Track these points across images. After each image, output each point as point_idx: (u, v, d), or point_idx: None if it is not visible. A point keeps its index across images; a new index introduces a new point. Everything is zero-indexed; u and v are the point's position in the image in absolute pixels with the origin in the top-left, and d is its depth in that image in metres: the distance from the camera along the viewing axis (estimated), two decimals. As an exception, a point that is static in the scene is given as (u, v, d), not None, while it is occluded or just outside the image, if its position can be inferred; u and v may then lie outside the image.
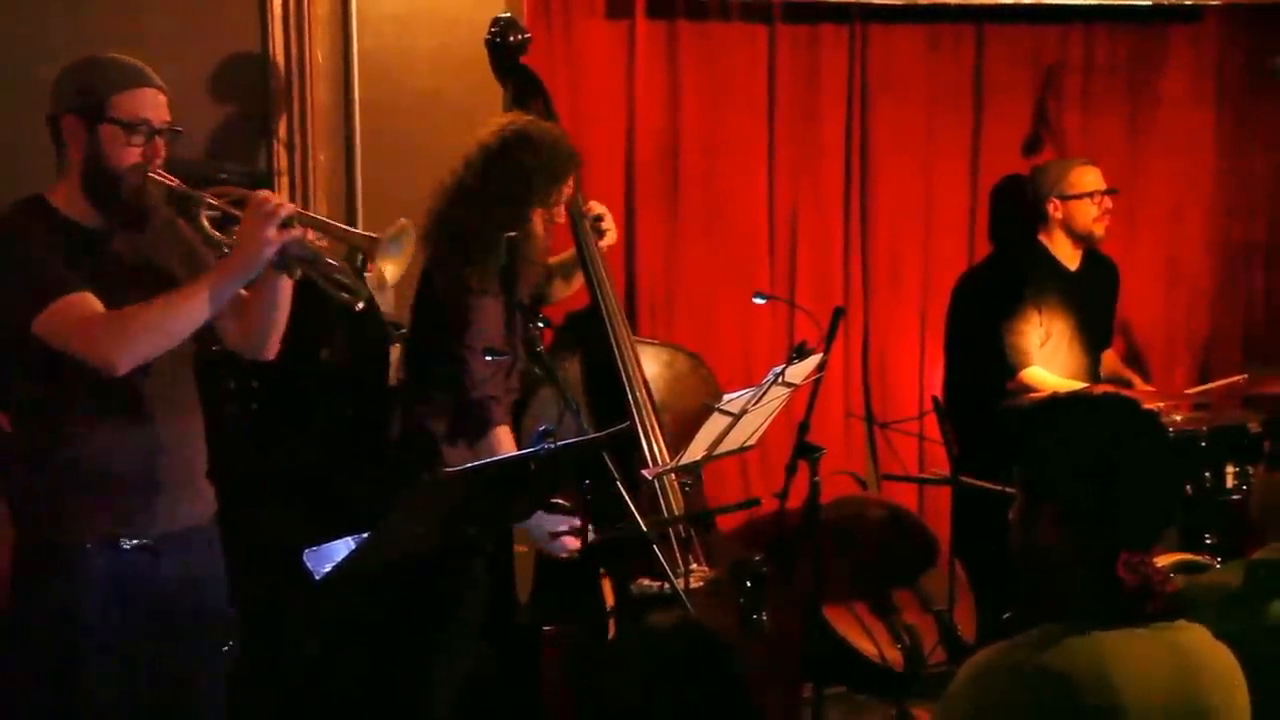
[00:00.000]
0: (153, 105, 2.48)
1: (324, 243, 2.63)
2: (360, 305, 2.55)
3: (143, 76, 2.49)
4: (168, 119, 2.50)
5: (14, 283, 2.40)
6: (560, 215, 3.24)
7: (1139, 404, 1.95)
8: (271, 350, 2.65)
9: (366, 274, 2.54)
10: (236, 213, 2.49)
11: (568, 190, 3.23)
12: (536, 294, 3.36)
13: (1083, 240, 4.23)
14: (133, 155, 2.46)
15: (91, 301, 2.42)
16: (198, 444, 2.62)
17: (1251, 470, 3.77)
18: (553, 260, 3.46)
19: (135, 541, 2.49)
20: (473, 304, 3.08)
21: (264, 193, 2.47)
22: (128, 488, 2.48)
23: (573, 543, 3.05)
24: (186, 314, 2.43)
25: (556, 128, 3.29)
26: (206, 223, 2.53)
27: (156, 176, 2.48)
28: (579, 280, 3.51)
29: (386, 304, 3.61)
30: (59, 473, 2.46)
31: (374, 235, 2.50)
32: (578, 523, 3.06)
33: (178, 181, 2.50)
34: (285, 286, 2.56)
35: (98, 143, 2.45)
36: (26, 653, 2.50)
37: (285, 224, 2.43)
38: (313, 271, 2.54)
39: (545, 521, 2.99)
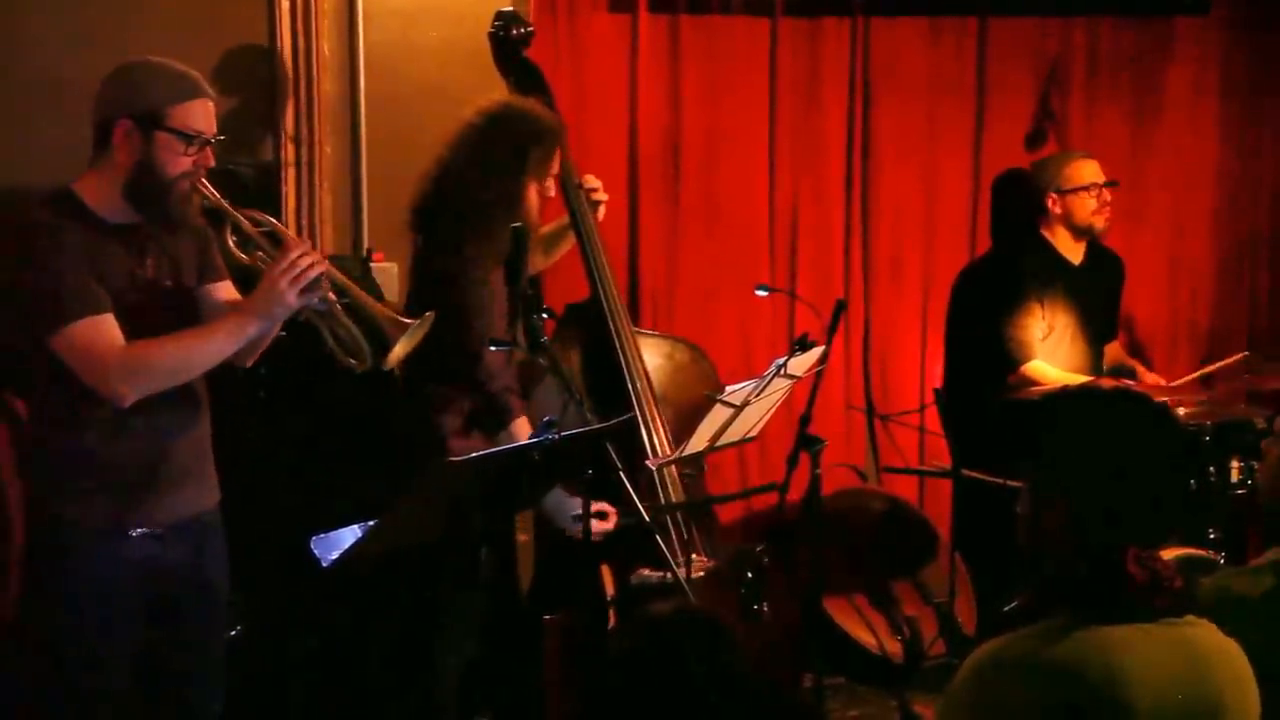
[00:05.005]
0: (206, 116, 2.51)
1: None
2: (361, 370, 2.60)
3: (199, 88, 2.52)
4: (215, 129, 2.53)
5: (38, 295, 2.42)
6: (551, 188, 3.22)
7: (1150, 399, 1.93)
8: (250, 362, 2.70)
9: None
10: (265, 245, 2.53)
11: (558, 159, 3.21)
12: None
13: (1084, 233, 4.23)
14: (185, 164, 2.48)
15: (108, 329, 2.43)
16: (206, 433, 2.65)
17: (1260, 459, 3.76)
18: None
19: (142, 530, 2.52)
20: (482, 294, 3.07)
21: (299, 249, 2.47)
22: (138, 476, 2.51)
23: (600, 525, 3.07)
24: (197, 359, 2.49)
25: (537, 102, 3.28)
26: (231, 240, 2.57)
27: (203, 187, 2.51)
28: (559, 253, 3.51)
29: (388, 294, 3.63)
30: (71, 461, 2.49)
31: (401, 319, 2.54)
32: (605, 505, 3.11)
33: (218, 196, 2.54)
34: None
35: (153, 150, 2.46)
36: (36, 638, 2.54)
37: (312, 285, 2.46)
38: (322, 324, 2.56)
39: (569, 504, 2.99)
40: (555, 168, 3.21)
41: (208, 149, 2.51)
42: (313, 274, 2.46)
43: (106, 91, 2.50)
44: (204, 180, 2.52)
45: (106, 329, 2.43)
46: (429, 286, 3.14)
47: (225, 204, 2.55)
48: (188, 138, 2.47)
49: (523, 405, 3.12)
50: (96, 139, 2.50)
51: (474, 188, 3.09)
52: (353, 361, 2.58)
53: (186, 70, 2.53)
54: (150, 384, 2.45)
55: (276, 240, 2.57)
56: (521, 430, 3.08)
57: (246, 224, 2.56)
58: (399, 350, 2.55)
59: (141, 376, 2.44)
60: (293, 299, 2.45)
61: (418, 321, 2.58)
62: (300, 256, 2.46)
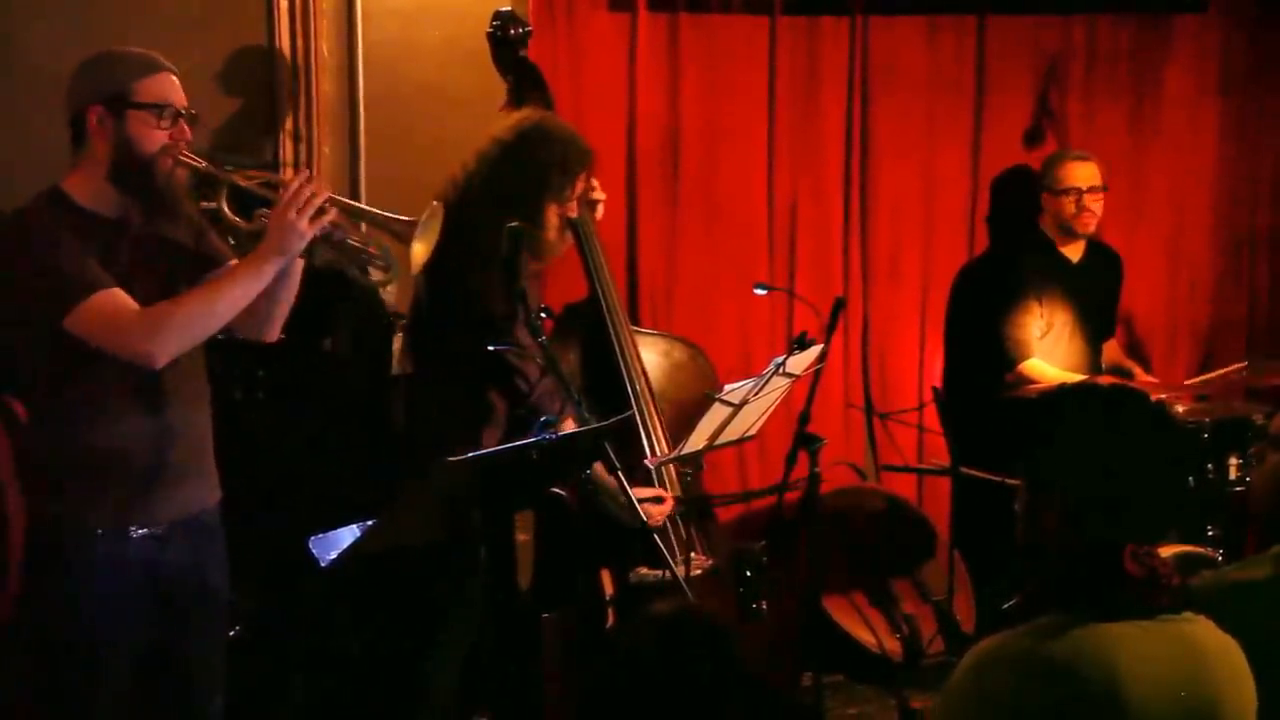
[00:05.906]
0: (173, 88, 2.51)
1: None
2: (391, 286, 2.56)
3: (159, 62, 2.52)
4: (185, 102, 2.53)
5: (40, 284, 2.41)
6: (573, 210, 3.21)
7: (1147, 396, 1.93)
8: (274, 333, 2.67)
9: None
10: (266, 195, 2.51)
11: (581, 185, 3.22)
12: None
13: (1067, 234, 4.24)
14: (161, 138, 2.48)
15: (122, 298, 2.43)
16: (207, 430, 2.64)
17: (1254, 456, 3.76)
18: None
19: (143, 530, 2.51)
20: (516, 309, 3.03)
21: (298, 181, 2.46)
22: (139, 475, 2.51)
23: (658, 510, 3.09)
24: (221, 306, 2.46)
25: (568, 124, 3.29)
26: (227, 207, 2.55)
27: (185, 158, 2.50)
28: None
29: (389, 294, 3.63)
30: (72, 461, 2.49)
31: (409, 219, 2.49)
32: (663, 491, 3.14)
33: (204, 162, 2.52)
34: (297, 268, 2.57)
35: (127, 129, 2.46)
36: (35, 638, 2.54)
37: (319, 212, 2.44)
38: (342, 255, 2.55)
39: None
40: (578, 191, 3.19)
41: (182, 121, 2.50)
42: (318, 201, 2.44)
43: (74, 87, 2.50)
44: (186, 152, 2.50)
45: (119, 297, 2.43)
46: (452, 294, 3.09)
47: (213, 168, 2.53)
48: (158, 108, 2.46)
49: (569, 406, 3.04)
50: (73, 135, 2.50)
51: (494, 203, 3.07)
52: (380, 277, 2.55)
53: (144, 50, 2.53)
54: (178, 338, 2.43)
55: (275, 189, 2.53)
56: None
57: (241, 180, 2.54)
58: (419, 249, 2.50)
59: (167, 332, 2.42)
60: (304, 226, 2.43)
61: (425, 214, 2.52)
62: (301, 187, 2.44)
